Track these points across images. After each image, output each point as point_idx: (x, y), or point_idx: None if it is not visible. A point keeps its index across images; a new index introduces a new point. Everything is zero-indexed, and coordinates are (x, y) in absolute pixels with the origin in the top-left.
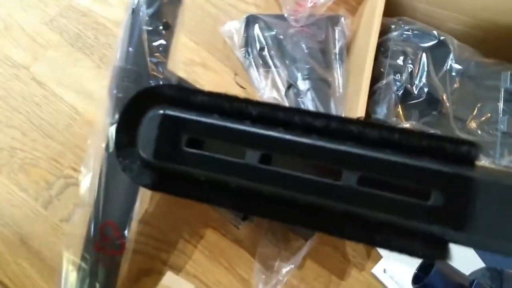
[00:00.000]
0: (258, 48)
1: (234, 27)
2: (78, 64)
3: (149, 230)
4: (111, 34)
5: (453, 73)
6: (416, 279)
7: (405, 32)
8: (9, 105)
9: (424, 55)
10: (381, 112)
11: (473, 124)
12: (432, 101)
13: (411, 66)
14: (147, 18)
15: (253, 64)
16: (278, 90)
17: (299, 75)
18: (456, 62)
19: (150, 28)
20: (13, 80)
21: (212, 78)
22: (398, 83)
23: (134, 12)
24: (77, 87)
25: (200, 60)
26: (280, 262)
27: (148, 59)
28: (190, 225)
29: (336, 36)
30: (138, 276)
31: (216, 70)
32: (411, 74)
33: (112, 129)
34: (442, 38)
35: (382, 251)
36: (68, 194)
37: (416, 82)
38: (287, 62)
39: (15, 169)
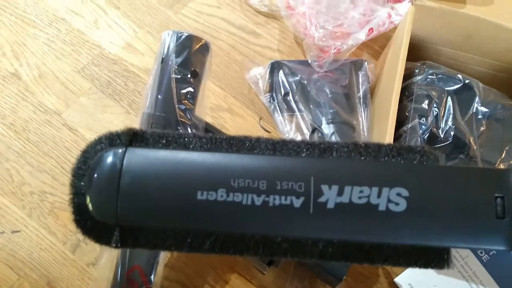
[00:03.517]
0: (282, 93)
1: (259, 73)
2: (107, 110)
3: (174, 275)
4: (140, 81)
5: (480, 116)
6: None
7: (429, 76)
8: (41, 150)
9: (449, 98)
10: None
11: (501, 167)
12: (459, 145)
13: (436, 109)
14: (176, 67)
15: (278, 108)
16: (302, 134)
17: (323, 119)
18: (482, 105)
19: (179, 76)
20: (45, 126)
21: (238, 123)
22: (423, 126)
23: (164, 61)
24: None
25: (226, 106)
26: None
27: (177, 106)
28: (215, 270)
29: (360, 80)
30: None
31: (241, 115)
32: (436, 117)
33: None
34: (467, 81)
35: None
36: None
37: (442, 125)
38: (311, 106)
39: (44, 213)
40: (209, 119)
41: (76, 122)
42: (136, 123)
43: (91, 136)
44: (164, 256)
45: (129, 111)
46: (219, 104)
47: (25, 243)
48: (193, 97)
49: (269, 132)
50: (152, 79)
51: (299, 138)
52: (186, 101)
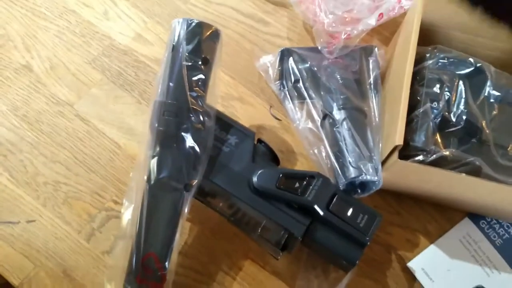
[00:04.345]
0: (293, 80)
1: (269, 61)
2: (119, 100)
3: (188, 262)
4: (151, 71)
5: (492, 100)
6: None
7: (441, 60)
8: (54, 141)
9: (461, 82)
10: (419, 140)
11: None
12: (471, 129)
13: (448, 94)
14: (186, 54)
15: (288, 96)
16: (313, 120)
17: (334, 105)
18: (494, 89)
19: (190, 64)
20: (58, 117)
21: (248, 111)
22: (435, 111)
23: (174, 48)
24: (118, 123)
25: (237, 94)
26: None
27: (188, 93)
28: (229, 257)
29: (370, 66)
30: None
31: (252, 104)
32: (448, 101)
33: (153, 162)
34: (478, 65)
35: (425, 284)
36: (109, 227)
37: (454, 109)
38: (322, 93)
39: (59, 203)
40: (219, 108)
41: (88, 113)
42: (147, 112)
43: (103, 127)
44: (178, 244)
45: (140, 101)
46: (229, 93)
47: (40, 233)
48: (204, 84)
49: (279, 120)
50: (163, 67)
51: (310, 125)
52: (197, 89)
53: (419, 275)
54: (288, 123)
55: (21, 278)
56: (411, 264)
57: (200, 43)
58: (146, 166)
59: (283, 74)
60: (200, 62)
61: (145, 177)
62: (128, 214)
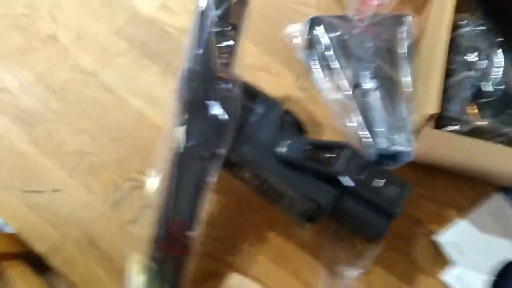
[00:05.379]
0: (322, 49)
1: (297, 30)
2: (144, 70)
3: (214, 233)
4: (176, 41)
5: None
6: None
7: (478, 28)
8: (79, 110)
9: (499, 50)
10: (453, 110)
11: None
12: (508, 99)
13: (485, 62)
14: (215, 20)
15: (317, 65)
16: (343, 91)
17: (365, 74)
18: None
19: (218, 30)
20: (83, 87)
21: (274, 82)
22: (471, 80)
23: (203, 14)
24: (143, 93)
25: (263, 65)
26: (347, 267)
27: (216, 60)
28: (255, 228)
29: (403, 35)
30: (204, 278)
31: (278, 74)
32: (485, 70)
33: (181, 130)
34: None
35: (455, 258)
36: (135, 196)
37: (491, 79)
38: (352, 61)
39: (84, 173)
40: (246, 78)
41: (113, 83)
42: (172, 82)
43: (128, 96)
44: (204, 214)
45: (166, 72)
46: (254, 63)
47: (66, 202)
48: (232, 51)
49: (307, 91)
50: (191, 34)
51: (339, 95)
52: (225, 55)
53: (448, 249)
54: (316, 94)
55: (48, 246)
56: (440, 238)
57: (229, 9)
58: (173, 135)
59: (312, 43)
60: (229, 28)
61: (173, 146)
62: (154, 183)
